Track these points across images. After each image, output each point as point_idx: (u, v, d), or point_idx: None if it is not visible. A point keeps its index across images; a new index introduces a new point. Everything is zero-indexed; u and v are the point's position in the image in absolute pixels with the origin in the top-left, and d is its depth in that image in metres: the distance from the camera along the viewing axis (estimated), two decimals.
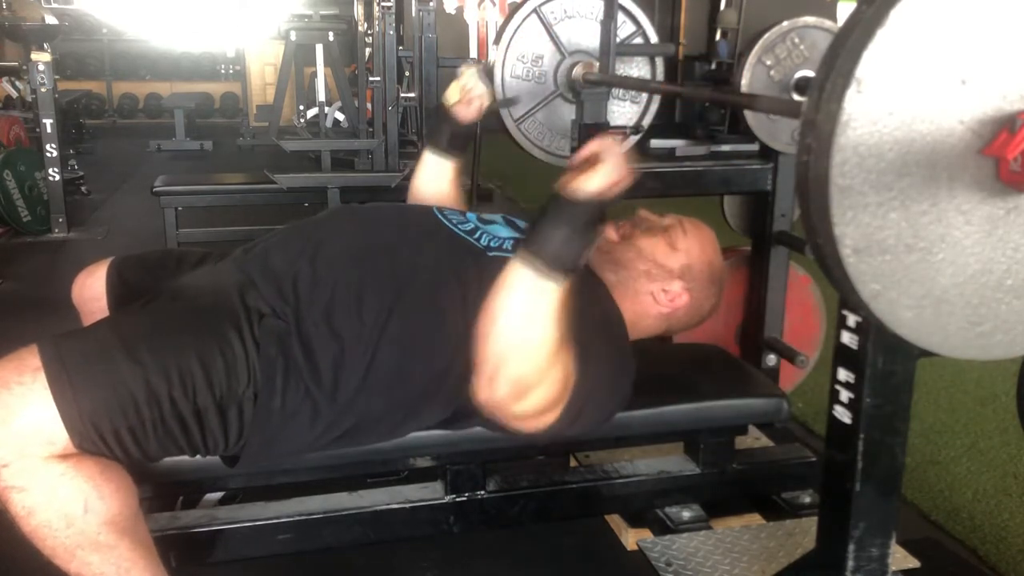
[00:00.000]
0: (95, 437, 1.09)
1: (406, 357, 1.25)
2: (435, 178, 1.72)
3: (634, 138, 2.14)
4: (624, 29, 2.12)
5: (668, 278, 1.43)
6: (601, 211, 1.14)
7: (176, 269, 1.44)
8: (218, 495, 1.61)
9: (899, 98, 0.77)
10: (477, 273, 1.28)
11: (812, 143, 0.78)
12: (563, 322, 1.12)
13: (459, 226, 1.40)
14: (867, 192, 0.78)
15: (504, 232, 1.42)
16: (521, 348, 1.11)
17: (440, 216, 1.43)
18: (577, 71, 2.12)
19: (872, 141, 0.77)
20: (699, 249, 1.46)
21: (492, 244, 1.37)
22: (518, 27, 2.10)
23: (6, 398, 1.06)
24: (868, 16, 0.75)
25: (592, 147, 1.16)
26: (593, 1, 2.11)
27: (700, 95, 1.71)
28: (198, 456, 1.21)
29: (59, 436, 1.07)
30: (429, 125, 3.40)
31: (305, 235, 1.37)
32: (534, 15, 2.10)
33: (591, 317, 1.28)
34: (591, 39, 2.05)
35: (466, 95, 1.70)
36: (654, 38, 2.17)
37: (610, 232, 1.46)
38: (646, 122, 2.14)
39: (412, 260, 1.31)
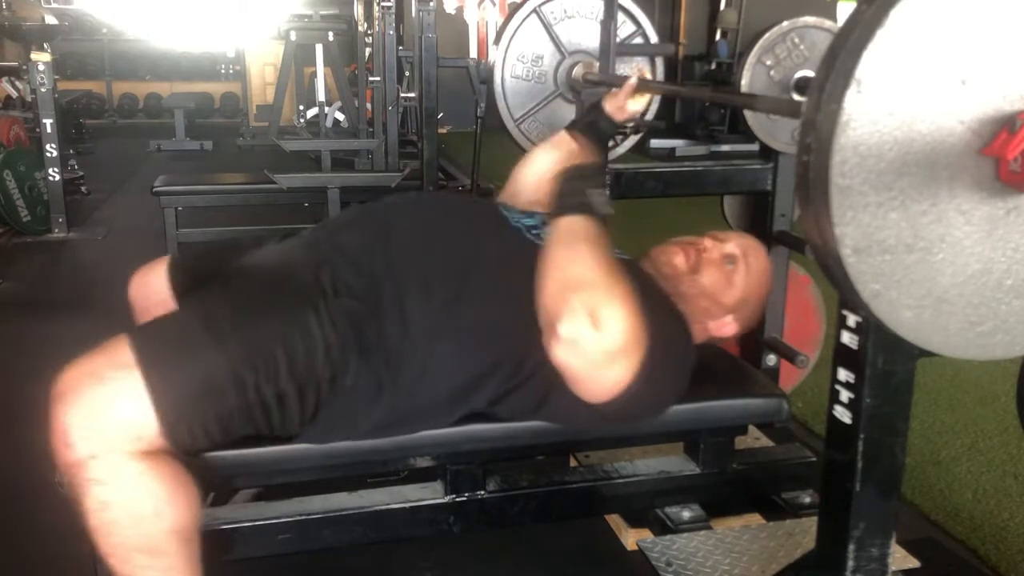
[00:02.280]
0: (183, 427, 1.11)
1: (469, 345, 1.28)
2: (554, 156, 1.73)
3: (634, 138, 2.14)
4: (624, 29, 2.12)
5: (723, 314, 1.49)
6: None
7: (239, 250, 1.46)
8: (252, 491, 1.61)
9: (899, 98, 0.77)
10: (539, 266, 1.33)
11: (812, 143, 0.78)
12: (605, 248, 1.19)
13: (522, 221, 1.44)
14: (867, 192, 0.78)
15: None
16: (578, 266, 1.14)
17: (503, 212, 1.47)
18: (577, 71, 2.13)
19: (872, 141, 0.77)
20: (756, 286, 1.52)
21: None
22: (518, 27, 2.10)
23: (100, 391, 1.08)
24: (868, 16, 0.76)
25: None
26: (593, 1, 2.11)
27: (700, 95, 1.70)
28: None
29: (147, 430, 1.09)
30: (428, 125, 3.39)
31: (377, 217, 1.40)
32: (534, 15, 2.11)
33: (662, 309, 1.34)
34: (591, 39, 2.06)
35: (625, 98, 1.73)
36: (654, 38, 2.17)
37: (679, 261, 1.49)
38: (648, 118, 2.14)
39: (480, 250, 1.35)
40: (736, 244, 1.51)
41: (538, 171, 1.72)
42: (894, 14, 0.74)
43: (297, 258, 1.33)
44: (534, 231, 1.41)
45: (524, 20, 2.09)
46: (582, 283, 1.13)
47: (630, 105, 1.73)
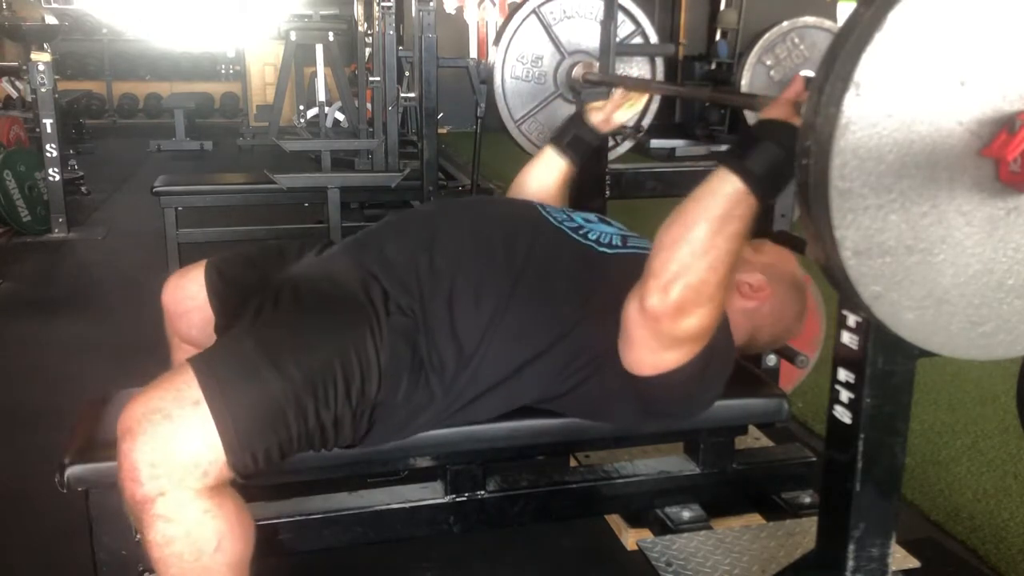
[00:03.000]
0: (247, 457, 1.11)
1: (517, 349, 1.29)
2: (545, 173, 1.73)
3: (630, 143, 2.14)
4: (623, 28, 2.12)
5: (749, 270, 1.43)
6: None
7: (280, 260, 1.45)
8: None
9: (898, 100, 0.77)
10: (586, 267, 1.34)
11: (812, 146, 0.79)
12: (741, 236, 1.12)
13: (564, 223, 1.43)
14: (867, 194, 0.78)
15: (607, 228, 1.46)
16: (708, 259, 1.10)
17: (544, 212, 1.45)
18: (577, 71, 2.13)
19: (871, 144, 0.77)
20: (782, 257, 1.53)
21: (602, 240, 1.41)
22: (517, 28, 2.10)
23: (169, 428, 1.07)
24: (866, 19, 0.76)
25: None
26: (592, 1, 2.11)
27: (700, 95, 1.71)
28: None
29: (214, 467, 1.09)
30: (428, 125, 3.39)
31: (419, 226, 1.39)
32: (533, 16, 2.11)
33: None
34: (590, 39, 2.06)
35: (612, 110, 1.72)
36: (654, 38, 2.17)
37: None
38: (646, 122, 2.14)
39: (526, 253, 1.34)
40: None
41: (533, 192, 1.70)
42: (892, 17, 0.74)
43: (345, 274, 1.31)
44: (580, 232, 1.41)
45: (523, 21, 2.10)
46: (693, 267, 1.10)
47: (616, 116, 1.72)
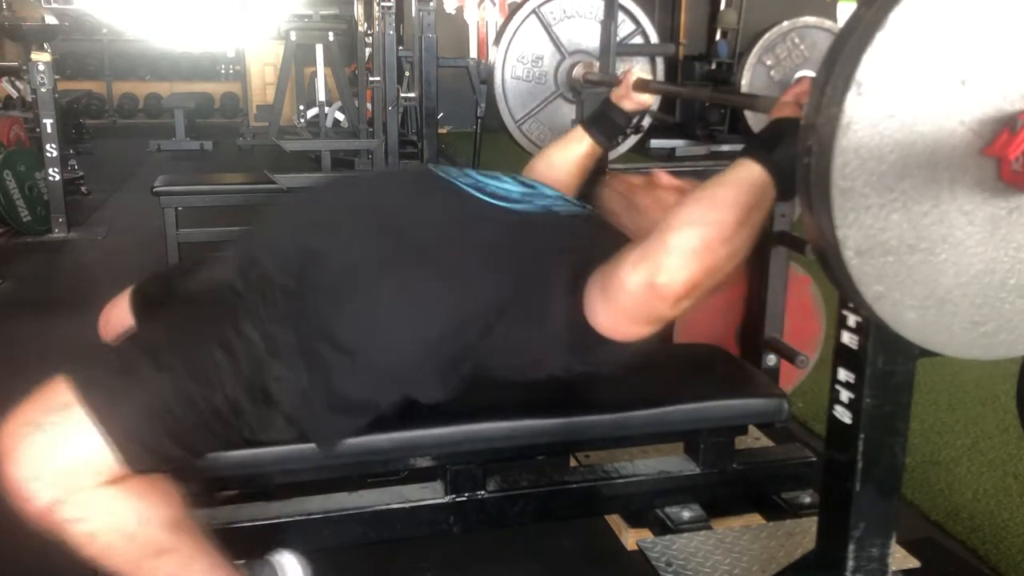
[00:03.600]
0: (141, 453, 1.10)
1: (422, 307, 1.24)
2: (567, 151, 1.74)
3: (634, 138, 2.14)
4: (623, 28, 2.12)
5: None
6: None
7: (192, 272, 1.45)
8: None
9: (899, 100, 0.77)
10: (488, 225, 1.31)
11: (813, 146, 0.78)
12: (754, 227, 1.10)
13: (459, 179, 1.40)
14: (869, 194, 0.78)
15: (514, 187, 1.43)
16: (729, 247, 1.08)
17: (438, 174, 1.42)
18: (577, 71, 2.13)
19: (873, 143, 0.77)
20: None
21: (500, 194, 1.37)
22: (517, 28, 2.10)
23: (42, 438, 1.06)
24: (867, 19, 0.76)
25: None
26: (592, 1, 2.11)
27: (700, 95, 1.71)
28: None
29: (105, 464, 1.07)
30: (428, 125, 3.40)
31: (301, 206, 1.39)
32: (533, 16, 2.11)
33: None
34: (591, 39, 2.06)
35: (629, 87, 1.73)
36: (654, 37, 2.17)
37: (634, 178, 1.49)
38: (646, 122, 2.14)
39: (414, 218, 1.31)
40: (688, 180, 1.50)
41: (552, 167, 1.71)
42: (893, 16, 0.74)
43: (229, 265, 1.31)
44: (479, 188, 1.37)
45: (523, 21, 2.09)
46: (716, 252, 1.07)
47: (636, 95, 1.74)
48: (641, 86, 1.73)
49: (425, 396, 1.29)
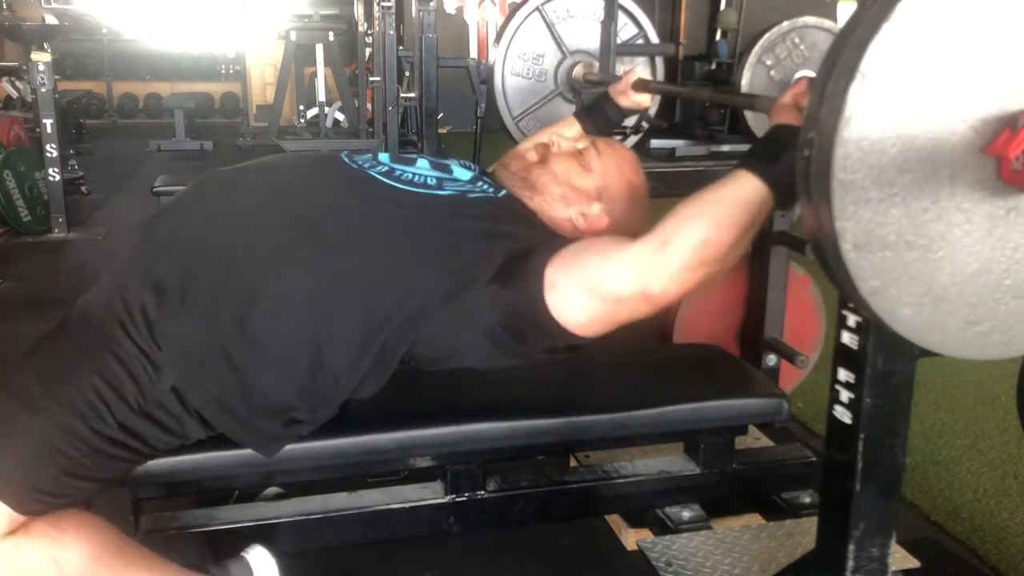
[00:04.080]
0: (37, 496, 1.08)
1: (331, 304, 1.19)
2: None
3: (634, 138, 2.14)
4: (626, 30, 2.12)
5: (585, 200, 1.38)
6: None
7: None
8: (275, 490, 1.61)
9: (903, 94, 0.76)
10: (391, 210, 1.26)
11: (815, 137, 0.78)
12: (746, 238, 1.13)
13: (369, 167, 1.34)
14: (869, 187, 0.78)
15: (428, 172, 1.37)
16: (724, 261, 1.11)
17: (347, 161, 1.36)
18: (578, 71, 2.13)
19: (875, 136, 0.77)
20: (616, 169, 1.42)
21: (417, 180, 1.33)
22: (520, 25, 2.10)
23: None
24: (874, 10, 0.75)
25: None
26: (594, 1, 2.11)
27: (700, 95, 1.71)
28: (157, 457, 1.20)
29: (2, 518, 1.06)
30: (428, 125, 3.40)
31: (197, 203, 1.30)
32: (536, 14, 2.11)
33: (537, 239, 1.28)
34: (592, 39, 2.06)
35: (628, 85, 1.74)
36: (655, 38, 2.17)
37: (528, 153, 1.44)
38: (644, 123, 2.14)
39: (323, 210, 1.25)
40: (583, 137, 1.50)
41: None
42: (900, 8, 0.74)
43: (105, 282, 1.25)
44: (392, 175, 1.33)
45: (526, 18, 2.10)
46: (709, 262, 1.10)
47: (634, 95, 1.74)
48: (641, 86, 1.73)
49: (348, 393, 1.24)
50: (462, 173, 1.42)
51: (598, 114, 1.76)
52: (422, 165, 1.39)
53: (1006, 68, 0.78)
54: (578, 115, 1.78)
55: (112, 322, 1.15)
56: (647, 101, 1.78)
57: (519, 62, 2.11)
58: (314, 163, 1.42)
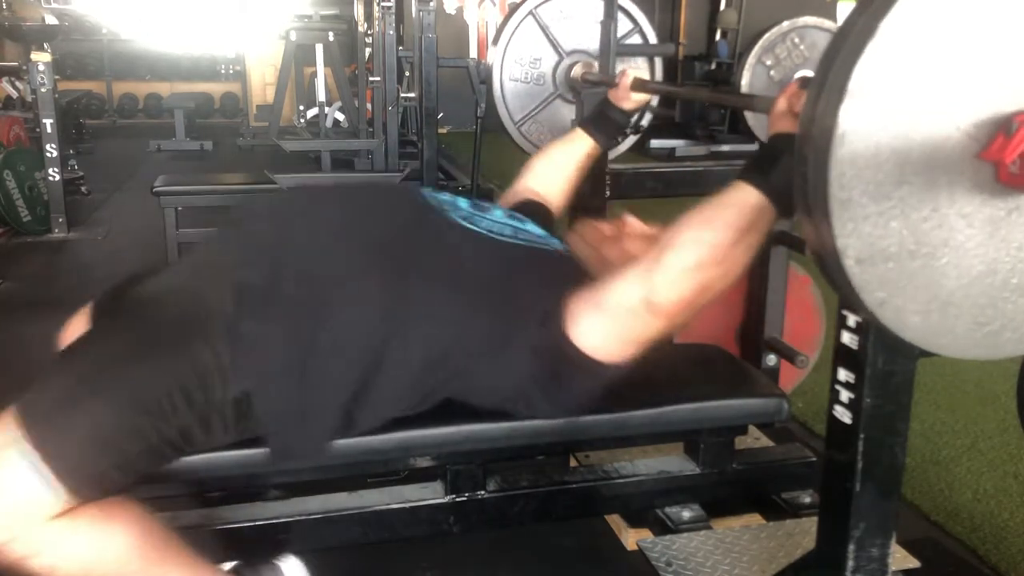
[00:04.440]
0: (90, 483, 1.09)
1: (406, 336, 1.22)
2: (568, 151, 1.75)
3: (633, 137, 2.14)
4: (621, 27, 2.12)
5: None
6: None
7: (147, 281, 1.37)
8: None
9: (893, 108, 0.77)
10: (480, 256, 1.30)
11: (810, 158, 0.79)
12: (751, 250, 1.14)
13: (449, 211, 1.38)
14: (867, 203, 0.78)
15: (497, 217, 1.43)
16: (723, 267, 1.12)
17: (424, 199, 1.40)
18: (576, 71, 2.13)
19: (869, 153, 0.77)
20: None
21: (493, 230, 1.38)
22: (515, 30, 2.10)
23: None
24: (857, 29, 0.76)
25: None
26: (589, 1, 2.11)
27: (697, 95, 1.71)
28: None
29: (52, 500, 1.06)
30: (428, 125, 3.40)
31: (287, 214, 1.33)
32: (530, 17, 2.11)
33: None
34: (588, 39, 2.06)
35: (627, 88, 1.74)
36: (652, 36, 2.17)
37: (604, 226, 1.49)
38: (645, 120, 2.14)
39: (409, 242, 1.29)
40: (657, 226, 1.51)
41: (551, 166, 1.72)
42: (883, 25, 0.74)
43: (190, 276, 1.27)
44: (469, 220, 1.36)
45: (520, 23, 2.09)
46: (709, 271, 1.12)
47: (634, 95, 1.74)
48: (638, 86, 1.73)
49: (393, 412, 1.28)
50: (535, 228, 1.47)
51: (603, 121, 1.76)
52: (498, 215, 1.45)
53: (994, 73, 0.78)
54: (583, 125, 1.77)
55: (189, 323, 1.17)
56: (646, 97, 1.78)
57: (516, 67, 2.11)
58: (400, 193, 1.48)
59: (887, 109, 0.76)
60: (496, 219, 1.42)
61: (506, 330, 1.24)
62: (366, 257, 1.26)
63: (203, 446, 1.19)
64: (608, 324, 1.19)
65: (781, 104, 1.20)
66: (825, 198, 0.77)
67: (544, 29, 2.10)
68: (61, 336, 1.51)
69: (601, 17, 1.96)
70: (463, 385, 1.28)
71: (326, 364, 1.19)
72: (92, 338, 1.22)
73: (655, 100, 2.10)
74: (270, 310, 1.19)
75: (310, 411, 1.21)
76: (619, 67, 1.98)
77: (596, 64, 2.05)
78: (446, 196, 1.44)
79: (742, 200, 1.13)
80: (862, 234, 0.79)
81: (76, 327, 1.48)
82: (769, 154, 1.17)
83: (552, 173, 1.72)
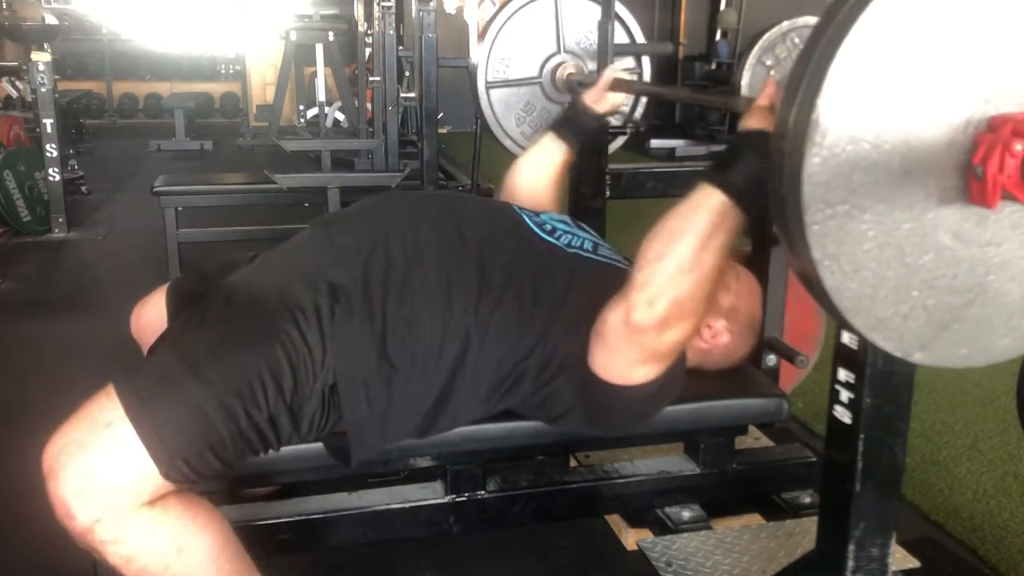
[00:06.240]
0: (181, 465, 1.10)
1: (498, 352, 1.27)
2: (543, 160, 1.73)
3: (622, 138, 2.14)
4: (593, 20, 2.11)
5: (715, 315, 1.42)
6: None
7: (231, 268, 1.43)
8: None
9: (866, 119, 0.76)
10: (560, 270, 1.33)
11: (784, 171, 0.78)
12: (726, 246, 1.14)
13: (534, 223, 1.42)
14: (842, 215, 0.77)
15: (579, 233, 1.46)
16: (694, 274, 1.11)
17: (516, 212, 1.45)
18: (563, 72, 2.13)
19: (844, 170, 0.76)
20: (749, 295, 1.50)
21: (573, 243, 1.41)
22: (498, 32, 2.10)
23: (86, 457, 1.06)
24: (825, 41, 0.75)
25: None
26: (579, 1, 2.11)
27: (679, 95, 1.71)
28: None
29: (145, 484, 1.08)
30: (428, 125, 3.40)
31: (379, 219, 1.36)
32: (515, 18, 2.11)
33: None
34: (577, 40, 2.06)
35: (603, 89, 1.74)
36: (639, 36, 2.17)
37: None
38: (636, 115, 2.14)
39: (496, 255, 1.32)
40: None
41: (530, 180, 1.71)
42: (849, 39, 0.73)
43: (285, 270, 1.29)
44: (553, 235, 1.41)
45: (504, 25, 2.09)
46: (679, 281, 1.12)
47: (609, 97, 1.73)
48: (618, 86, 1.73)
49: (464, 422, 1.32)
50: (611, 248, 1.49)
51: (573, 125, 1.74)
52: (582, 233, 1.47)
53: (967, 78, 0.77)
54: (555, 129, 1.75)
55: (285, 314, 1.19)
56: (622, 99, 1.77)
57: (502, 69, 2.11)
58: (492, 207, 1.51)
59: (860, 120, 0.75)
60: (579, 233, 1.45)
61: (566, 353, 1.27)
62: (452, 268, 1.28)
63: (286, 440, 1.21)
64: (607, 350, 1.21)
65: (763, 100, 1.21)
66: (799, 212, 0.76)
67: (530, 31, 2.10)
68: (136, 314, 1.55)
69: (599, 18, 1.96)
70: (522, 401, 1.33)
71: (409, 375, 1.23)
72: (190, 324, 1.24)
73: (640, 109, 2.10)
74: (363, 314, 1.22)
75: (391, 416, 1.24)
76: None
77: (583, 65, 2.05)
78: (528, 211, 1.47)
79: (705, 202, 1.13)
80: (840, 244, 0.78)
81: (150, 306, 1.53)
82: (731, 152, 1.17)
83: (538, 188, 1.70)
